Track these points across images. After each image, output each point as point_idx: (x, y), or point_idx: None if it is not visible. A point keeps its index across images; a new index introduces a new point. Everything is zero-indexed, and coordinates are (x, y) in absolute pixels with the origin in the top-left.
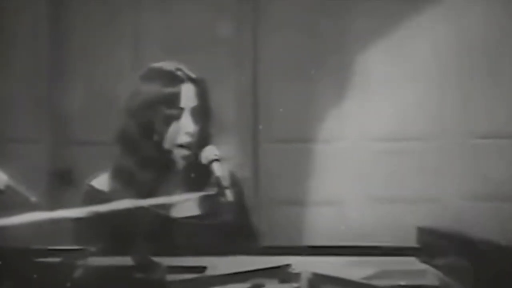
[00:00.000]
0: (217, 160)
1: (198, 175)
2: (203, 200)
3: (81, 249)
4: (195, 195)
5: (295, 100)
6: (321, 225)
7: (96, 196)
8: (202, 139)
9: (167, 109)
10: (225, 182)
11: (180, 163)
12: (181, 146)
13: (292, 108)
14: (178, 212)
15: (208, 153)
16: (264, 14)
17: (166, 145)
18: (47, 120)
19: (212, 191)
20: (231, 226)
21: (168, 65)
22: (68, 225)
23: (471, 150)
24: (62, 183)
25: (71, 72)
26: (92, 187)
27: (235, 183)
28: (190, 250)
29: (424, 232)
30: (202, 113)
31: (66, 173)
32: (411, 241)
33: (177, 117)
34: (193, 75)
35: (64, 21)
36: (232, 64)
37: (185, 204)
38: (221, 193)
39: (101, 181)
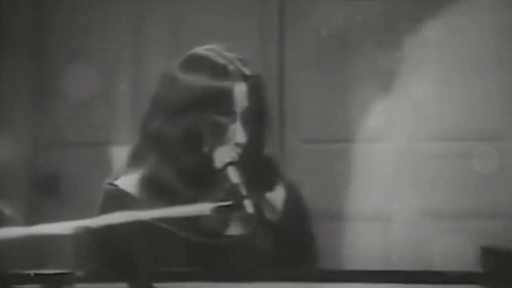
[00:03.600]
0: (233, 163)
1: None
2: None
3: (66, 274)
4: (207, 206)
5: (328, 92)
6: (363, 245)
7: (123, 199)
8: (253, 151)
9: (218, 114)
10: (243, 190)
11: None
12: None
13: (324, 102)
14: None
15: (222, 155)
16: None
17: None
18: (27, 119)
19: (226, 201)
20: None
21: (216, 54)
22: (51, 244)
23: None
24: (45, 191)
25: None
26: (117, 188)
27: (291, 192)
28: (209, 275)
29: (490, 254)
30: (255, 118)
31: (49, 179)
32: (474, 265)
33: (230, 124)
34: (247, 71)
35: (53, 17)
36: (256, 52)
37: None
38: (238, 204)
39: (128, 183)
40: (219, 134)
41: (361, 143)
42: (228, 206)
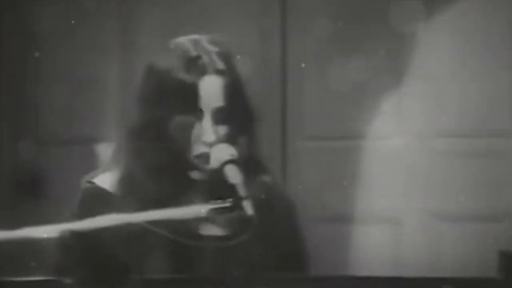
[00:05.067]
0: (232, 162)
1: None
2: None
3: (52, 281)
4: (203, 208)
5: (332, 87)
6: (372, 250)
7: (101, 196)
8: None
9: (182, 110)
10: (242, 191)
11: (201, 178)
12: (199, 157)
13: (329, 96)
14: (190, 231)
15: (220, 153)
16: None
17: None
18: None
19: (226, 203)
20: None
21: (194, 44)
22: (34, 249)
23: None
24: (27, 192)
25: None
26: (95, 185)
27: (278, 196)
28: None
29: (508, 259)
30: (234, 119)
31: (32, 179)
32: (491, 271)
33: (196, 121)
34: (220, 65)
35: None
36: (258, 44)
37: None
38: (237, 205)
39: (105, 180)
40: (185, 132)
41: (368, 140)
42: (226, 207)
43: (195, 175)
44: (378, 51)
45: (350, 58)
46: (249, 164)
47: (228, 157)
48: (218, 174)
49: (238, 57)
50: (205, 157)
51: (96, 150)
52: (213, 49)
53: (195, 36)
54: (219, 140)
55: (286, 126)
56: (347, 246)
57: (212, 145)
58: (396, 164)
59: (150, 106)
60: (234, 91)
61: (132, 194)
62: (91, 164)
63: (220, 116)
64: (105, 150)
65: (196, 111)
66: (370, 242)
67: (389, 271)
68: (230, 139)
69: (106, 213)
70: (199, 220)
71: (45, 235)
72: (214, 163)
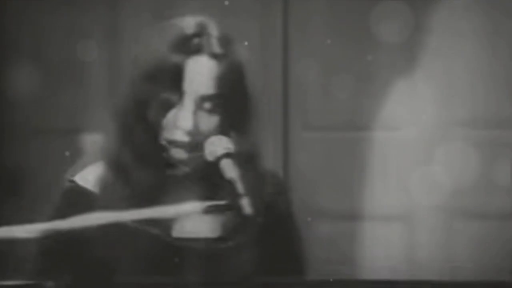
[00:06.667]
0: (228, 155)
1: (208, 180)
2: (218, 215)
3: (33, 285)
4: (198, 206)
5: (337, 74)
6: (380, 250)
7: (81, 198)
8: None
9: (164, 90)
10: (240, 187)
11: (179, 166)
12: (173, 143)
13: (332, 84)
14: (180, 232)
15: (215, 145)
16: None
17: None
18: None
19: (222, 200)
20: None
21: (193, 25)
22: (15, 250)
23: None
24: (4, 188)
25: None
26: (76, 185)
27: (279, 189)
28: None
29: None
30: (226, 111)
31: (12, 173)
32: (507, 273)
33: (176, 104)
34: (217, 49)
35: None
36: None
37: (192, 221)
38: (234, 203)
39: (88, 177)
40: (165, 111)
41: (375, 131)
42: (222, 206)
43: (172, 166)
44: (387, 38)
45: (356, 44)
46: (248, 159)
47: (223, 151)
48: (213, 169)
49: (246, 43)
50: (182, 146)
51: (79, 142)
52: (215, 32)
53: (201, 17)
54: (209, 132)
55: (287, 116)
56: (352, 246)
57: (190, 134)
58: (405, 157)
59: (135, 86)
60: (232, 80)
61: (116, 191)
62: (75, 157)
63: (209, 105)
64: (89, 141)
65: (177, 93)
66: (378, 242)
67: (398, 273)
68: (223, 131)
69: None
70: (192, 219)
71: (24, 235)
72: (209, 157)
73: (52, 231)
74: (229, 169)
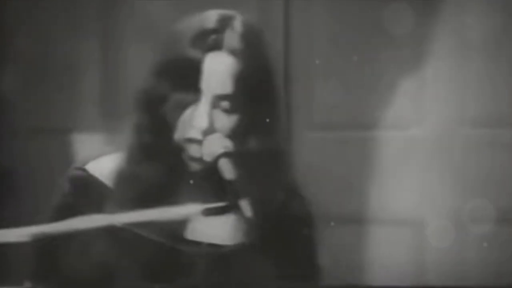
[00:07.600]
0: (226, 155)
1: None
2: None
3: None
4: (196, 208)
5: (343, 71)
6: (389, 255)
7: (92, 188)
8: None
9: (181, 87)
10: (240, 189)
11: (192, 166)
12: (188, 141)
13: (338, 81)
14: (184, 235)
15: (213, 145)
16: None
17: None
18: None
19: (223, 202)
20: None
21: (216, 17)
22: (5, 253)
23: None
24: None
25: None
26: (87, 174)
27: (293, 191)
28: None
29: None
30: (246, 110)
31: (2, 174)
32: None
33: (192, 103)
34: (237, 45)
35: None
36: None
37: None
38: (233, 205)
39: (102, 168)
40: (181, 110)
41: (383, 130)
42: (221, 208)
43: (191, 164)
44: (396, 31)
45: (363, 38)
46: (266, 162)
47: (221, 150)
48: (212, 169)
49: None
50: (196, 144)
51: (74, 142)
52: (240, 28)
53: (227, 11)
54: (219, 130)
55: (291, 114)
56: (360, 251)
57: (205, 133)
58: (415, 157)
59: (153, 82)
60: (252, 78)
61: (128, 190)
62: (70, 158)
63: (226, 104)
64: (84, 142)
65: (194, 91)
66: (387, 247)
67: (408, 279)
68: (243, 131)
69: (98, 209)
70: (191, 222)
71: (16, 239)
72: (206, 156)
73: (43, 234)
74: (228, 170)
